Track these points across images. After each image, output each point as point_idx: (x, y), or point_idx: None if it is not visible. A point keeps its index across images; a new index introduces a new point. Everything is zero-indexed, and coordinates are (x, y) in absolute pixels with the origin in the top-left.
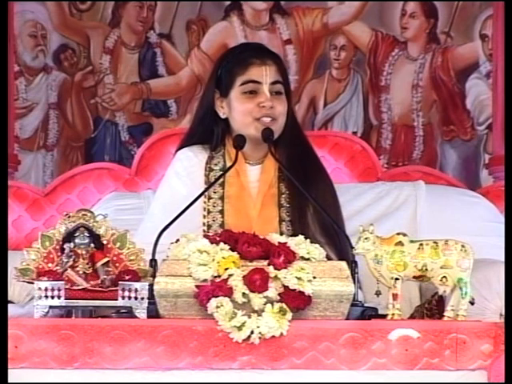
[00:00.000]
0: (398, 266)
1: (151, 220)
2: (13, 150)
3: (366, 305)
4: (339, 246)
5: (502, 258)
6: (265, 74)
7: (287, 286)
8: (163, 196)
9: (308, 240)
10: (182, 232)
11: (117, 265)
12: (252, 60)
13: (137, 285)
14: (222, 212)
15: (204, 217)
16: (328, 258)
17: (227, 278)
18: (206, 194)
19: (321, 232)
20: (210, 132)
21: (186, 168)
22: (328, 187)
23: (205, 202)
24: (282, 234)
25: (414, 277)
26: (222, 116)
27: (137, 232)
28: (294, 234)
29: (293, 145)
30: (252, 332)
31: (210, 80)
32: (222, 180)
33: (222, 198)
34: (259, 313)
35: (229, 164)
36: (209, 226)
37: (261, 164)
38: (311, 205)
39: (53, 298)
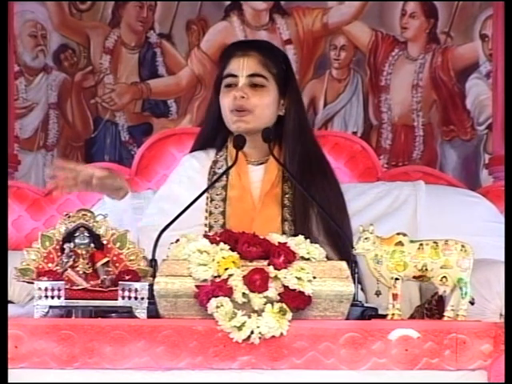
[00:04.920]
0: (398, 265)
1: (149, 220)
2: (13, 150)
3: (366, 305)
4: (342, 248)
5: (502, 258)
6: (242, 67)
7: (287, 286)
8: (162, 199)
9: (308, 240)
10: (184, 232)
11: (117, 265)
12: (234, 52)
13: (137, 285)
14: (223, 213)
15: (206, 218)
16: (329, 259)
17: (227, 278)
18: (209, 196)
19: (324, 233)
20: (216, 131)
21: (189, 175)
22: (333, 187)
23: (207, 204)
24: (284, 233)
25: (414, 277)
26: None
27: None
28: (296, 234)
29: (296, 143)
30: (252, 332)
31: (215, 79)
32: (224, 182)
33: (224, 200)
34: (259, 313)
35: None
36: (210, 227)
37: (265, 163)
38: (315, 205)
39: (53, 298)
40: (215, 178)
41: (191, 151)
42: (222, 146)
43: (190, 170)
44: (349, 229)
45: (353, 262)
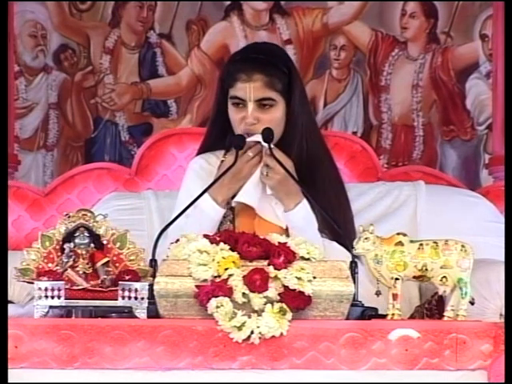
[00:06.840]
0: (398, 265)
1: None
2: (13, 150)
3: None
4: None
5: (502, 258)
6: (249, 92)
7: (287, 286)
8: (182, 201)
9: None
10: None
11: (117, 265)
12: (239, 75)
13: (137, 285)
14: (231, 209)
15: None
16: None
17: (227, 278)
18: None
19: (328, 230)
20: (224, 131)
21: (200, 175)
22: (336, 187)
23: None
24: None
25: (414, 277)
26: None
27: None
28: None
29: (297, 143)
30: (252, 332)
31: (218, 81)
32: None
33: (231, 209)
34: (259, 313)
35: None
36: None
37: None
38: (318, 205)
39: (53, 298)
40: (216, 178)
41: (198, 152)
42: (230, 146)
43: (200, 170)
44: (352, 228)
45: (353, 262)
